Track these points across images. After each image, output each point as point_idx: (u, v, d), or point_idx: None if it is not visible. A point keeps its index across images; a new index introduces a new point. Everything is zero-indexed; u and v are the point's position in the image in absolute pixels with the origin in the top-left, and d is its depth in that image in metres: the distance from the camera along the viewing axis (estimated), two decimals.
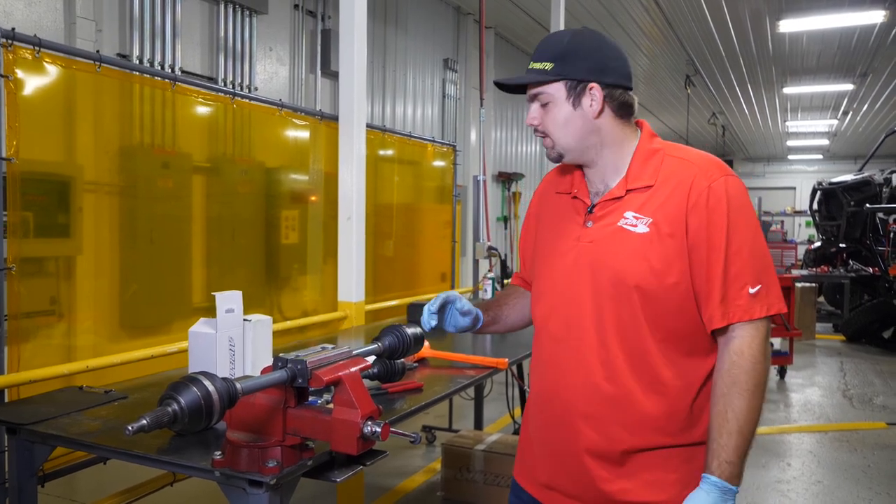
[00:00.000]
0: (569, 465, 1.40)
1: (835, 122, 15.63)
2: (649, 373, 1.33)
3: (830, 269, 10.03)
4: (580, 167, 1.46)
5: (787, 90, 12.50)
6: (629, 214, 1.34)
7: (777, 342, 7.20)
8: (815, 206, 10.65)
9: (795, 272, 8.60)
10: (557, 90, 1.37)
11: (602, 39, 1.40)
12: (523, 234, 1.65)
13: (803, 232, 19.37)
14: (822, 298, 10.53)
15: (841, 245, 10.06)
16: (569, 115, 1.38)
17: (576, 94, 1.37)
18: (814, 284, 9.33)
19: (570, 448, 1.39)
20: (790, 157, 21.88)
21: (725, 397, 1.28)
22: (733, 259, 1.28)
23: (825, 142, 18.67)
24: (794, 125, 16.39)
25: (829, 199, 10.28)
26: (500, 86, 1.46)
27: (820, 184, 10.58)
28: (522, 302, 1.70)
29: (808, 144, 19.22)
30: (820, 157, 21.38)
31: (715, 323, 1.30)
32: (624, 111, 1.40)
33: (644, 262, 1.31)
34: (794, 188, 22.10)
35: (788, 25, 8.61)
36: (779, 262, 7.36)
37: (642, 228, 1.32)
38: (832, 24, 8.49)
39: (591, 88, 1.36)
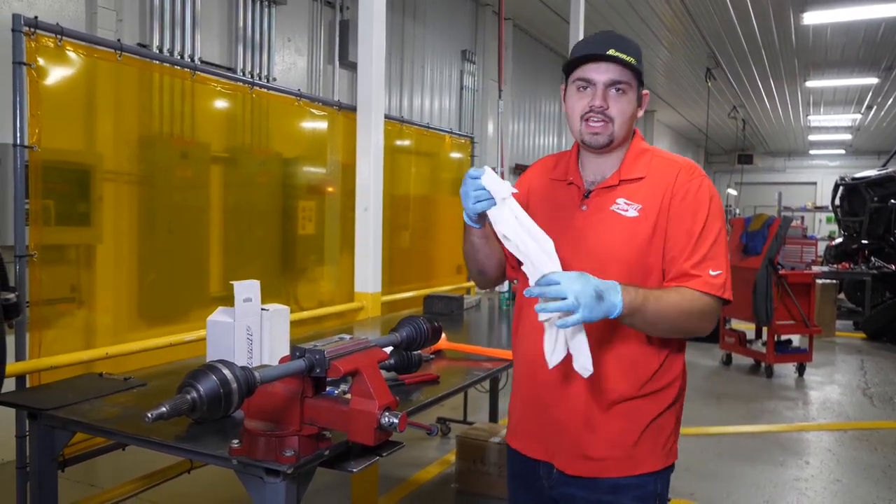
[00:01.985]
0: (552, 424, 1.57)
1: (858, 116, 15.37)
2: (626, 340, 1.52)
3: (852, 265, 9.89)
4: (577, 157, 1.64)
5: (810, 84, 12.31)
6: (621, 201, 1.54)
7: (796, 339, 7.12)
8: (837, 202, 10.50)
9: (816, 269, 8.48)
10: (635, 85, 1.53)
11: None
12: None
13: (824, 228, 19.12)
14: (842, 295, 10.39)
15: (863, 241, 9.92)
16: (633, 110, 1.55)
17: (639, 96, 1.56)
18: (834, 281, 9.20)
19: (554, 408, 1.57)
20: (812, 151, 21.57)
21: (663, 290, 1.46)
22: (702, 245, 1.49)
23: (848, 136, 18.38)
24: (816, 119, 16.15)
25: (852, 195, 10.14)
26: (572, 64, 1.53)
27: (843, 179, 10.43)
28: (497, 249, 1.74)
29: (831, 139, 18.94)
30: (842, 152, 21.05)
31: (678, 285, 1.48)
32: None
33: (631, 241, 1.50)
34: (815, 183, 21.81)
35: (813, 17, 8.46)
36: (798, 259, 7.26)
37: (632, 213, 1.52)
38: (857, 16, 8.34)
39: (645, 94, 1.59)
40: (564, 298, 1.27)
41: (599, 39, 1.52)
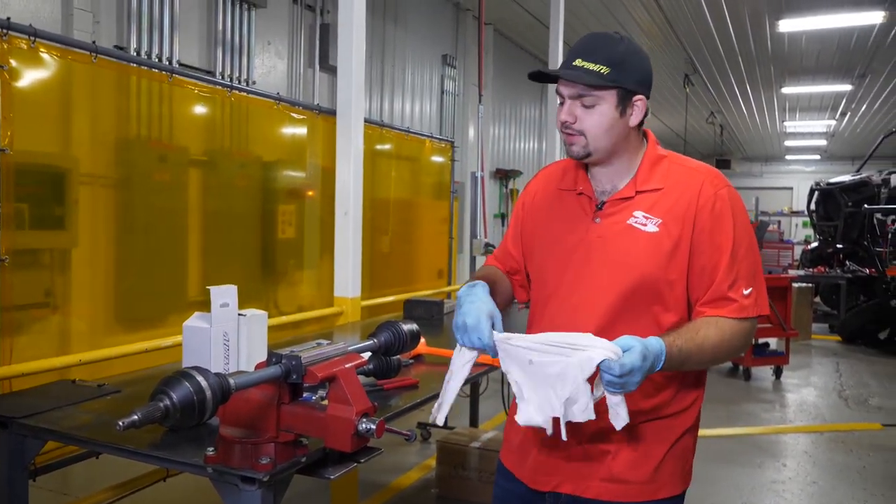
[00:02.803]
0: (568, 445, 1.45)
1: (833, 122, 15.62)
2: None
3: (827, 269, 10.04)
4: (585, 166, 1.52)
5: (786, 90, 12.49)
6: (639, 214, 1.43)
7: (773, 342, 7.21)
8: (812, 207, 10.66)
9: (792, 272, 8.59)
10: (609, 96, 1.40)
11: (644, 51, 1.47)
12: (515, 221, 1.69)
13: (800, 232, 19.39)
14: (818, 299, 10.54)
15: (838, 246, 10.07)
16: (614, 121, 1.41)
17: (625, 104, 1.41)
18: (810, 285, 9.34)
19: (571, 428, 1.43)
20: (788, 157, 21.88)
21: (705, 323, 1.39)
22: (734, 262, 1.40)
23: (823, 142, 18.68)
24: (792, 125, 16.39)
25: (827, 200, 10.29)
26: (541, 76, 1.45)
27: (818, 184, 10.59)
28: (504, 286, 1.67)
29: (806, 145, 19.23)
30: (818, 157, 21.38)
31: (709, 313, 1.41)
32: (643, 120, 1.48)
33: (652, 258, 1.41)
34: (792, 188, 22.12)
35: (788, 25, 8.59)
36: (775, 262, 7.36)
37: (652, 228, 1.41)
38: (831, 24, 8.48)
39: (637, 100, 1.43)
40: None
41: (575, 47, 1.43)
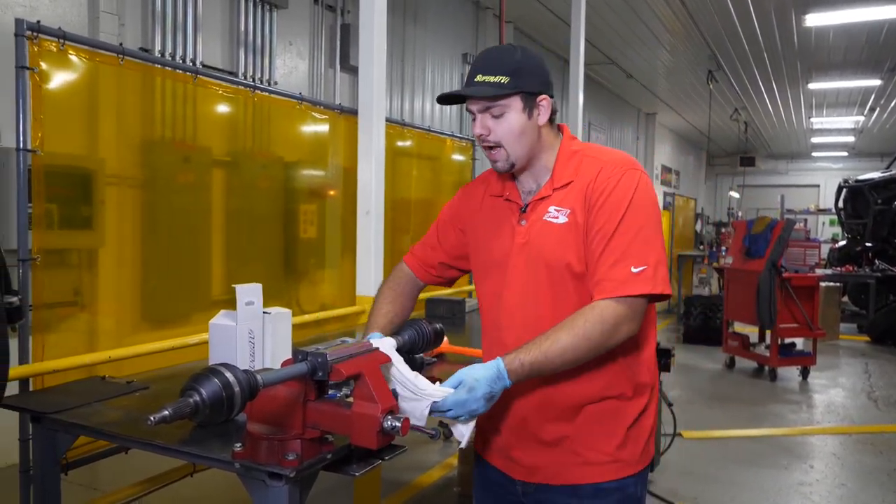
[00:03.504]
0: (531, 434, 1.55)
1: (861, 118, 15.34)
2: None
3: (856, 268, 9.86)
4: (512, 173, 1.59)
5: (813, 86, 12.29)
6: (552, 209, 1.52)
7: (800, 342, 7.10)
8: (840, 204, 10.48)
9: (819, 271, 8.44)
10: (514, 102, 1.49)
11: (540, 55, 1.57)
12: (443, 221, 1.77)
13: (827, 230, 19.09)
14: (846, 298, 10.36)
15: (867, 244, 9.90)
16: (524, 125, 1.50)
17: (530, 106, 1.50)
18: (838, 284, 9.18)
19: (531, 415, 1.54)
20: (814, 154, 21.53)
21: (558, 327, 1.41)
22: (618, 241, 1.43)
23: (851, 139, 18.35)
24: (818, 122, 16.12)
25: (856, 197, 10.13)
26: (448, 98, 1.52)
27: (846, 181, 10.42)
28: (403, 299, 1.77)
29: (833, 141, 18.90)
30: (845, 154, 21.02)
31: (595, 295, 1.44)
32: (553, 117, 1.56)
33: (566, 246, 1.48)
34: (818, 186, 21.77)
35: (815, 19, 8.45)
36: (802, 261, 7.24)
37: (562, 219, 1.50)
38: (860, 17, 8.33)
39: (541, 100, 1.51)
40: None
41: (474, 64, 1.51)
